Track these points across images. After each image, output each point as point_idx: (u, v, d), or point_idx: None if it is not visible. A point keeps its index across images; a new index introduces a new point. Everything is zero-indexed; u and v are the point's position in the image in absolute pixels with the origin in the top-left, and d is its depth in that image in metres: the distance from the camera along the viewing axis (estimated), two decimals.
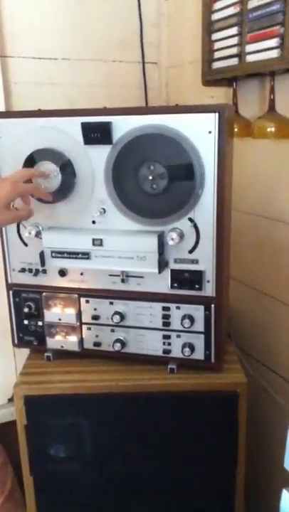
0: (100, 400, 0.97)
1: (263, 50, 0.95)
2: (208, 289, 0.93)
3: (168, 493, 1.03)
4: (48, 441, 1.01)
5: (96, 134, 0.88)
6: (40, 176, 0.91)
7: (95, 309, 1.00)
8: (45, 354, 1.04)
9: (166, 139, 0.86)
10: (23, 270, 1.02)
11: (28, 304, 1.02)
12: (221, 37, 1.05)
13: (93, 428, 1.00)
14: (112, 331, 1.00)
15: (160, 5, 1.40)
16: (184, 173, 0.86)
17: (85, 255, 0.92)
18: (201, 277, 0.92)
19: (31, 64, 1.27)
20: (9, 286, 1.04)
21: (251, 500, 1.16)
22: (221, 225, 0.88)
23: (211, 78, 1.11)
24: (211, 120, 0.83)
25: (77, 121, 0.89)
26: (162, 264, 0.91)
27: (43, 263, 0.95)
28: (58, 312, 1.01)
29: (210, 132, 0.84)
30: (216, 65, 1.09)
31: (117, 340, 0.99)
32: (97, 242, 0.91)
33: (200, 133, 0.84)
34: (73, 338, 1.02)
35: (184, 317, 0.95)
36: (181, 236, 0.90)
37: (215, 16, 1.06)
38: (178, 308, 0.95)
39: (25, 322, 1.04)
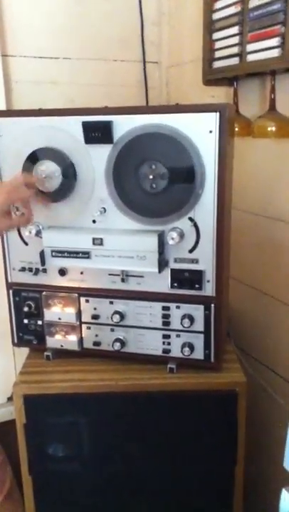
0: (100, 399, 0.97)
1: (264, 50, 0.95)
2: (208, 289, 0.93)
3: (167, 493, 1.03)
4: (47, 441, 1.01)
5: (97, 133, 0.88)
6: (37, 182, 0.91)
7: (95, 309, 1.00)
8: (45, 353, 1.04)
9: (167, 138, 0.86)
10: (23, 269, 1.01)
11: (28, 303, 1.02)
12: (221, 36, 1.05)
13: (92, 427, 1.00)
14: (112, 330, 1.00)
15: (161, 4, 1.40)
16: (184, 176, 0.86)
17: (85, 254, 0.92)
18: (201, 277, 0.92)
19: (32, 63, 1.27)
20: (9, 285, 1.04)
21: (250, 499, 1.16)
22: (221, 225, 0.88)
23: (212, 77, 1.11)
24: (212, 119, 0.83)
25: (78, 120, 0.89)
26: (162, 264, 0.91)
27: (43, 262, 0.95)
28: (57, 311, 1.01)
29: (211, 132, 0.84)
30: (217, 64, 1.08)
31: (117, 340, 0.99)
32: (98, 242, 0.91)
33: (201, 132, 0.84)
34: (73, 338, 1.02)
35: (183, 317, 0.95)
36: (182, 235, 0.90)
37: (216, 15, 1.06)
38: (178, 307, 0.95)
39: (25, 321, 1.04)
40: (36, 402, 0.97)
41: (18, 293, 1.03)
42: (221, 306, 0.94)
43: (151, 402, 0.97)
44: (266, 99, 1.03)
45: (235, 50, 1.02)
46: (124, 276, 0.96)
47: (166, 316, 0.96)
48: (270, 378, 1.18)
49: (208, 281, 0.92)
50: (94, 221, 0.94)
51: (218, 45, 1.07)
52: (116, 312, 0.98)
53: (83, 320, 1.01)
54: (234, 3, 1.00)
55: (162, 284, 0.94)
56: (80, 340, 1.02)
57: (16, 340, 1.07)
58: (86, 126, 0.88)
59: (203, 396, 0.96)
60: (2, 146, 0.95)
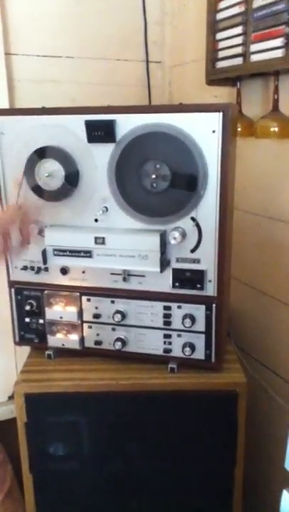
0: (100, 398, 0.97)
1: (268, 50, 0.95)
2: (210, 289, 0.93)
3: (167, 493, 1.04)
4: (47, 440, 1.01)
5: (100, 132, 0.88)
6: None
7: (96, 308, 1.00)
8: (46, 352, 1.04)
9: (170, 138, 0.86)
10: (25, 268, 1.02)
11: (30, 301, 1.02)
12: (225, 36, 1.05)
13: (93, 427, 1.00)
14: (113, 329, 1.00)
15: (164, 3, 1.40)
16: (186, 183, 0.87)
17: (87, 253, 0.92)
18: (203, 277, 0.92)
19: (35, 61, 1.27)
20: (11, 284, 1.04)
21: (249, 499, 1.16)
22: (223, 225, 0.88)
23: (215, 77, 1.11)
24: (215, 119, 0.83)
25: (81, 119, 0.89)
26: (164, 263, 0.91)
27: (45, 261, 0.95)
28: (59, 310, 1.01)
29: (214, 131, 0.84)
30: (220, 64, 1.08)
31: (118, 339, 0.99)
32: (100, 241, 0.91)
33: (204, 132, 0.84)
34: (74, 337, 1.02)
35: (184, 316, 0.95)
36: (184, 235, 0.90)
37: (219, 15, 1.06)
38: (179, 307, 0.95)
39: (27, 320, 1.04)
40: (37, 401, 0.97)
41: (20, 291, 1.03)
42: (223, 306, 0.94)
43: (151, 401, 0.97)
44: (269, 99, 1.03)
45: (238, 50, 1.02)
46: (126, 275, 0.96)
47: (167, 316, 0.96)
48: (270, 379, 1.18)
49: (209, 281, 0.92)
50: (96, 220, 0.94)
51: (221, 45, 1.07)
52: (117, 311, 0.98)
53: (85, 319, 1.01)
54: (238, 3, 1.00)
55: (164, 283, 0.94)
56: (82, 340, 1.02)
57: (17, 339, 1.07)
58: (89, 124, 0.88)
59: (203, 396, 0.96)
60: (4, 144, 0.95)
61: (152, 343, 0.98)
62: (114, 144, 0.89)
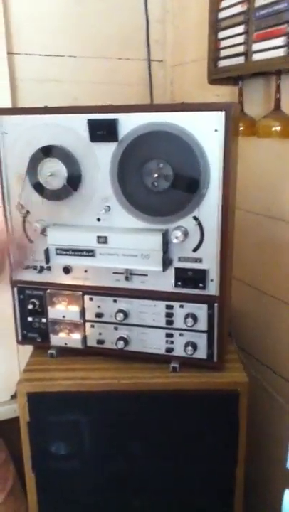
0: (102, 397, 0.97)
1: (270, 49, 0.95)
2: (212, 288, 0.93)
3: (168, 492, 1.04)
4: (50, 439, 1.01)
5: (102, 131, 0.88)
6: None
7: (99, 307, 1.00)
8: (49, 351, 1.04)
9: (172, 137, 0.86)
10: (27, 267, 1.02)
11: (33, 300, 1.03)
12: (227, 35, 1.05)
13: (95, 426, 1.01)
14: (116, 328, 1.00)
15: (165, 2, 1.40)
16: (188, 185, 0.87)
17: (90, 253, 0.92)
18: (205, 276, 0.92)
19: (37, 61, 1.27)
20: (14, 283, 1.04)
21: (250, 499, 1.16)
22: (225, 224, 0.88)
23: (217, 77, 1.11)
24: (218, 118, 0.83)
25: (83, 118, 0.89)
26: (166, 263, 0.91)
27: (47, 260, 0.95)
28: (61, 309, 1.01)
29: (216, 130, 0.84)
30: (222, 63, 1.08)
31: (121, 338, 0.99)
32: (102, 240, 0.91)
33: (206, 131, 0.84)
34: (77, 336, 1.02)
35: (187, 316, 0.95)
36: (186, 234, 0.90)
37: (221, 14, 1.06)
38: (181, 306, 0.95)
39: (29, 319, 1.04)
40: (40, 400, 0.97)
41: (23, 291, 1.03)
42: (224, 306, 0.94)
43: (153, 400, 0.97)
44: (271, 98, 1.03)
45: (240, 49, 1.02)
46: (128, 274, 0.96)
47: (169, 315, 0.97)
48: (271, 378, 1.18)
49: (211, 280, 0.92)
50: (98, 219, 0.94)
51: (223, 44, 1.07)
52: (120, 310, 0.98)
53: (87, 318, 1.01)
54: (240, 2, 1.00)
55: (166, 282, 0.94)
56: (84, 339, 1.02)
57: (20, 338, 1.07)
58: (91, 124, 0.89)
59: (205, 395, 0.96)
60: (7, 143, 0.96)
61: (154, 343, 0.99)
62: (116, 143, 0.89)
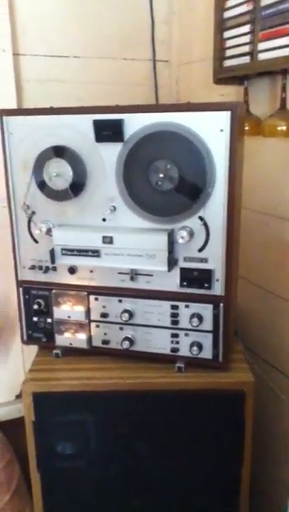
0: (108, 397, 0.97)
1: (275, 48, 0.94)
2: (217, 288, 0.92)
3: (173, 492, 1.03)
4: (55, 438, 1.01)
5: (108, 131, 0.88)
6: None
7: (104, 307, 1.00)
8: (54, 351, 1.05)
9: (178, 137, 0.85)
10: (33, 267, 1.02)
11: (38, 301, 1.03)
12: (232, 35, 1.05)
13: (100, 426, 1.01)
14: (121, 328, 1.00)
15: (171, 2, 1.40)
16: (190, 191, 0.87)
17: (95, 253, 0.92)
18: (211, 276, 0.92)
19: (42, 62, 1.27)
20: (19, 283, 1.04)
21: (255, 500, 1.15)
22: (231, 224, 0.88)
23: (222, 76, 1.11)
24: (223, 118, 0.83)
25: (89, 118, 0.89)
26: (172, 263, 0.91)
27: (53, 260, 0.95)
28: (67, 309, 1.01)
29: (222, 130, 0.84)
30: (228, 63, 1.08)
31: (126, 338, 0.99)
32: (107, 240, 0.91)
33: (212, 131, 0.84)
34: (82, 336, 1.02)
35: (192, 316, 0.95)
36: (191, 234, 0.90)
37: (227, 14, 1.06)
38: (186, 306, 0.95)
39: (35, 319, 1.05)
40: (45, 400, 0.97)
41: (28, 291, 1.04)
42: (230, 306, 0.94)
43: (159, 400, 0.97)
44: (277, 98, 1.03)
45: (246, 48, 1.02)
46: (134, 274, 0.96)
47: (174, 315, 0.96)
48: (277, 378, 1.17)
49: (217, 280, 0.92)
50: (104, 219, 0.94)
51: (228, 43, 1.07)
52: (125, 311, 0.98)
53: (92, 318, 1.01)
54: (246, 2, 1.00)
55: (171, 282, 0.94)
56: (89, 339, 1.02)
57: (25, 338, 1.07)
58: (97, 124, 0.89)
59: (210, 396, 0.96)
60: (13, 144, 0.96)
61: (160, 343, 0.98)
62: (122, 144, 0.89)
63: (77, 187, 0.93)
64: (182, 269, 0.93)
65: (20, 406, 1.27)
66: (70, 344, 1.03)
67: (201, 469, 1.01)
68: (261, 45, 0.97)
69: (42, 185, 0.95)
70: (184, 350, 0.97)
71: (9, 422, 1.33)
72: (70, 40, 1.30)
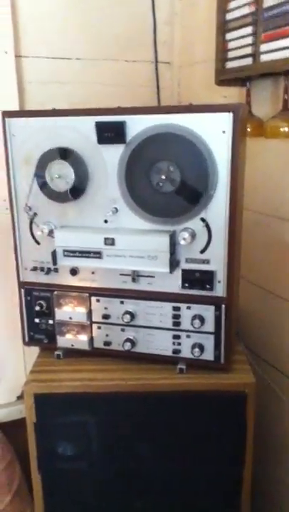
0: (109, 398, 0.97)
1: (278, 50, 0.94)
2: (219, 290, 0.92)
3: (175, 493, 1.03)
4: (56, 440, 1.01)
5: (110, 133, 0.88)
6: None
7: (106, 308, 1.00)
8: (55, 352, 1.05)
9: (180, 139, 0.85)
10: (34, 269, 1.02)
11: (40, 302, 1.03)
12: (235, 36, 1.05)
13: (102, 427, 1.01)
14: (122, 330, 1.00)
15: (173, 4, 1.40)
16: (190, 195, 0.87)
17: (97, 254, 0.92)
18: (212, 277, 0.92)
19: (44, 64, 1.27)
20: (21, 285, 1.04)
21: (257, 501, 1.15)
22: (233, 225, 0.88)
23: (225, 78, 1.11)
24: (226, 120, 0.83)
25: (91, 120, 0.89)
26: (173, 264, 0.91)
27: (54, 262, 0.96)
28: (68, 311, 1.01)
29: (224, 132, 0.83)
30: (230, 64, 1.08)
31: (127, 340, 0.99)
32: (109, 242, 0.91)
33: (214, 132, 0.84)
34: (83, 337, 1.02)
35: (194, 317, 0.95)
36: (193, 236, 0.90)
37: (229, 16, 1.06)
38: (188, 308, 0.95)
39: (36, 320, 1.05)
40: (46, 401, 0.97)
41: (30, 292, 1.04)
42: (232, 307, 0.94)
43: (160, 402, 0.97)
44: (279, 99, 1.03)
45: (248, 50, 1.02)
46: (135, 276, 0.96)
47: (176, 317, 0.96)
48: (279, 379, 1.17)
49: (219, 281, 0.92)
50: (106, 221, 0.94)
51: (231, 45, 1.07)
52: (126, 312, 0.98)
53: (94, 320, 1.01)
54: (248, 3, 1.00)
55: (173, 284, 0.94)
56: (91, 340, 1.02)
57: (26, 340, 1.07)
58: (99, 126, 0.89)
59: (212, 397, 0.96)
60: (15, 146, 0.96)
61: (161, 344, 0.98)
62: (124, 145, 0.89)
63: (77, 191, 0.93)
64: (184, 271, 0.93)
65: (21, 407, 1.27)
66: (72, 345, 1.03)
67: (203, 470, 1.01)
68: (263, 47, 0.98)
69: (43, 186, 0.95)
70: (186, 352, 0.97)
71: (10, 423, 1.33)
72: (72, 42, 1.30)
